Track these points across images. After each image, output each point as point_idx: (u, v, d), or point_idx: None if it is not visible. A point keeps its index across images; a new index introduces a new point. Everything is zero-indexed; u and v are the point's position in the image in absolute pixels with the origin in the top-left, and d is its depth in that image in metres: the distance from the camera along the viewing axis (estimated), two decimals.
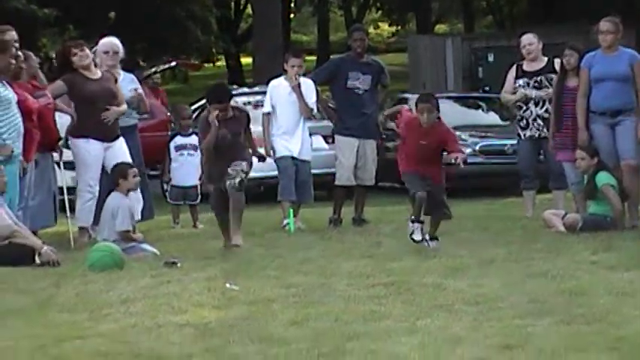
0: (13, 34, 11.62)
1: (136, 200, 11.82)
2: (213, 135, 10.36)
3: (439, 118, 10.39)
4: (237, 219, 10.08)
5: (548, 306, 7.73)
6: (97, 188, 12.15)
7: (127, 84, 13.10)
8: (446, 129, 10.42)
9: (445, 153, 10.57)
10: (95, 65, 12.39)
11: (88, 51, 12.42)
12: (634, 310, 7.52)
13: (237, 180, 9.73)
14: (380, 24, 50.45)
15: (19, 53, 11.68)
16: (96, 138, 12.00)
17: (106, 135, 12.05)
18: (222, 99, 10.57)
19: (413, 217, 10.14)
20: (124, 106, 12.44)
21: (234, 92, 20.52)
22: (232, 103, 11.64)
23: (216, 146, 10.37)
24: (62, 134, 12.26)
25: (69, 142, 12.37)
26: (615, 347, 6.40)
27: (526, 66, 13.12)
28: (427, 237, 10.12)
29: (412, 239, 10.04)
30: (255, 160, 13.00)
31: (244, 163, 10.42)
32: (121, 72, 13.29)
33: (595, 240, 10.79)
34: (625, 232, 11.32)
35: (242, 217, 10.38)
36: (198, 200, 14.60)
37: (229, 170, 10.10)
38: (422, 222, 10.13)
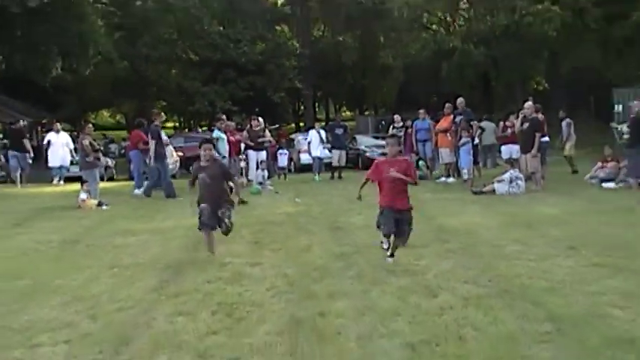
0: (224, 117, 12.29)
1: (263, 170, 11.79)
2: (194, 175, 5.77)
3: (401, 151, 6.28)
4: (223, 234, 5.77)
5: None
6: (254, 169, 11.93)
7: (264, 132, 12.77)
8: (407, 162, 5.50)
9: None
10: (256, 126, 12.38)
11: (260, 120, 12.43)
12: (443, 209, 7.94)
13: (224, 229, 5.59)
14: (346, 110, 51.87)
15: (226, 122, 12.18)
16: (254, 149, 12.23)
17: (259, 149, 12.22)
18: (208, 142, 5.83)
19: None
20: (267, 139, 12.35)
21: (300, 135, 20.58)
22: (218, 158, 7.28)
23: (199, 183, 5.68)
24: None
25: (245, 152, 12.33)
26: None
27: (396, 124, 13.56)
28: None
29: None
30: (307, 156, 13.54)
31: (230, 210, 5.69)
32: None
33: (421, 185, 10.27)
34: (430, 181, 11.79)
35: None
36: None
37: (219, 213, 5.55)
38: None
